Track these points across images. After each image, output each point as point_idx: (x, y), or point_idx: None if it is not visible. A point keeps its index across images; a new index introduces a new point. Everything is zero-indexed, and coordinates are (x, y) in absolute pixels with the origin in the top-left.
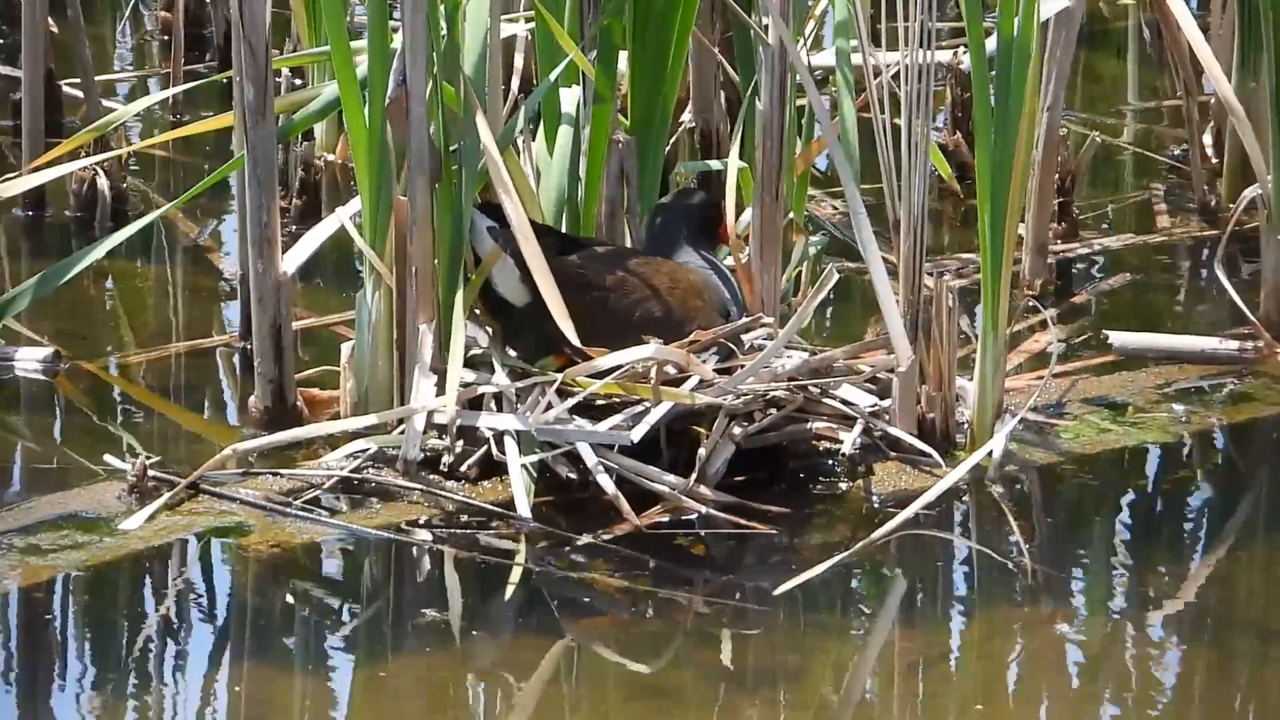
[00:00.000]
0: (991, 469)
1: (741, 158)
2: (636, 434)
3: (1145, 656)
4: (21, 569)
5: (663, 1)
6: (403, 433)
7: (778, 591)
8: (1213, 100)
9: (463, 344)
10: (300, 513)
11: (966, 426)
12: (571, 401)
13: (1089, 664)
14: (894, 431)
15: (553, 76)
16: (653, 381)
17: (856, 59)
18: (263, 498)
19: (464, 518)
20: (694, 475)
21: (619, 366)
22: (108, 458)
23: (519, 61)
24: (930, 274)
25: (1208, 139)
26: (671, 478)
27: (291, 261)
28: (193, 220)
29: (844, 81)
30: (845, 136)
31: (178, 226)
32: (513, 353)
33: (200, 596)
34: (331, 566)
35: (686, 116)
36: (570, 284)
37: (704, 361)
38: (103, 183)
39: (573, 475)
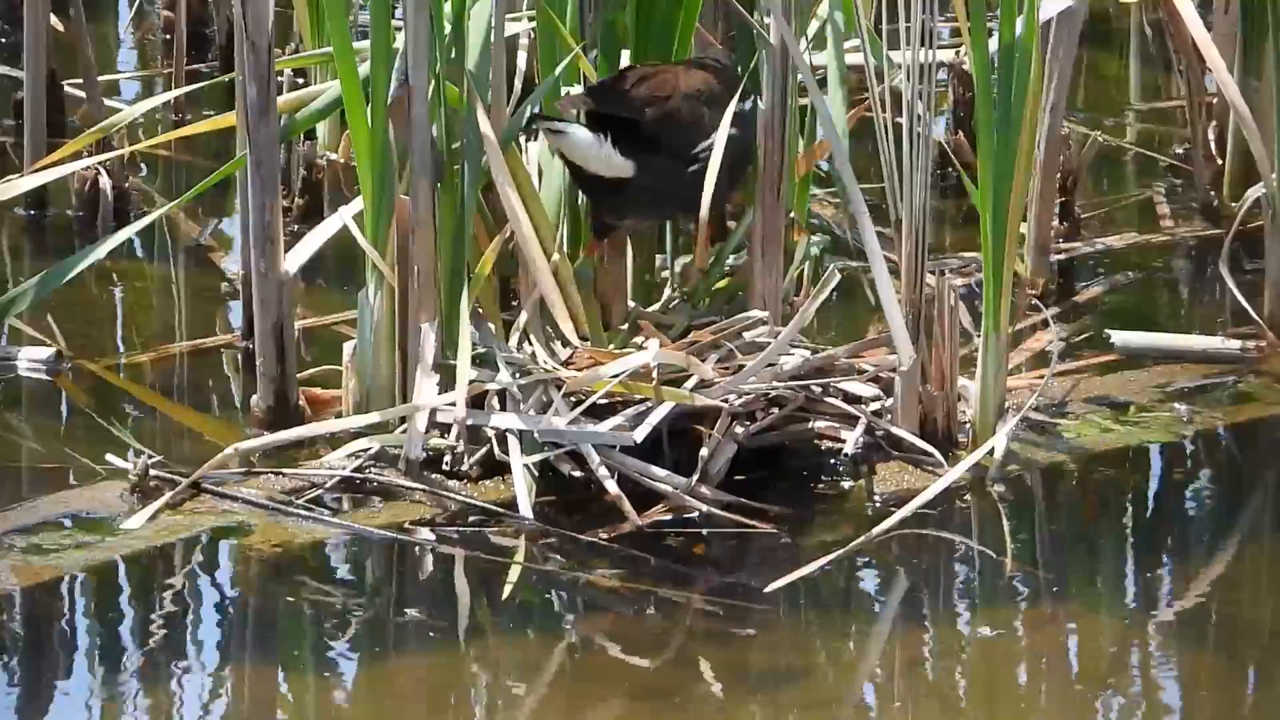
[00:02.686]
0: (993, 468)
1: None
2: (639, 434)
3: (1147, 656)
4: (23, 569)
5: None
6: (405, 431)
7: (769, 589)
8: (1215, 100)
9: (470, 342)
10: (302, 512)
11: (969, 426)
12: (580, 409)
13: (1090, 664)
14: (896, 431)
15: (556, 73)
16: (654, 382)
17: (858, 58)
18: (265, 497)
19: (466, 517)
20: (696, 474)
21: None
22: (110, 457)
23: (521, 61)
24: (932, 273)
25: (1210, 137)
26: (674, 477)
27: (294, 261)
28: (195, 220)
29: (836, 79)
30: (835, 134)
31: (180, 226)
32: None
33: (202, 596)
34: (334, 566)
35: None
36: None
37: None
38: (105, 182)
39: (577, 473)
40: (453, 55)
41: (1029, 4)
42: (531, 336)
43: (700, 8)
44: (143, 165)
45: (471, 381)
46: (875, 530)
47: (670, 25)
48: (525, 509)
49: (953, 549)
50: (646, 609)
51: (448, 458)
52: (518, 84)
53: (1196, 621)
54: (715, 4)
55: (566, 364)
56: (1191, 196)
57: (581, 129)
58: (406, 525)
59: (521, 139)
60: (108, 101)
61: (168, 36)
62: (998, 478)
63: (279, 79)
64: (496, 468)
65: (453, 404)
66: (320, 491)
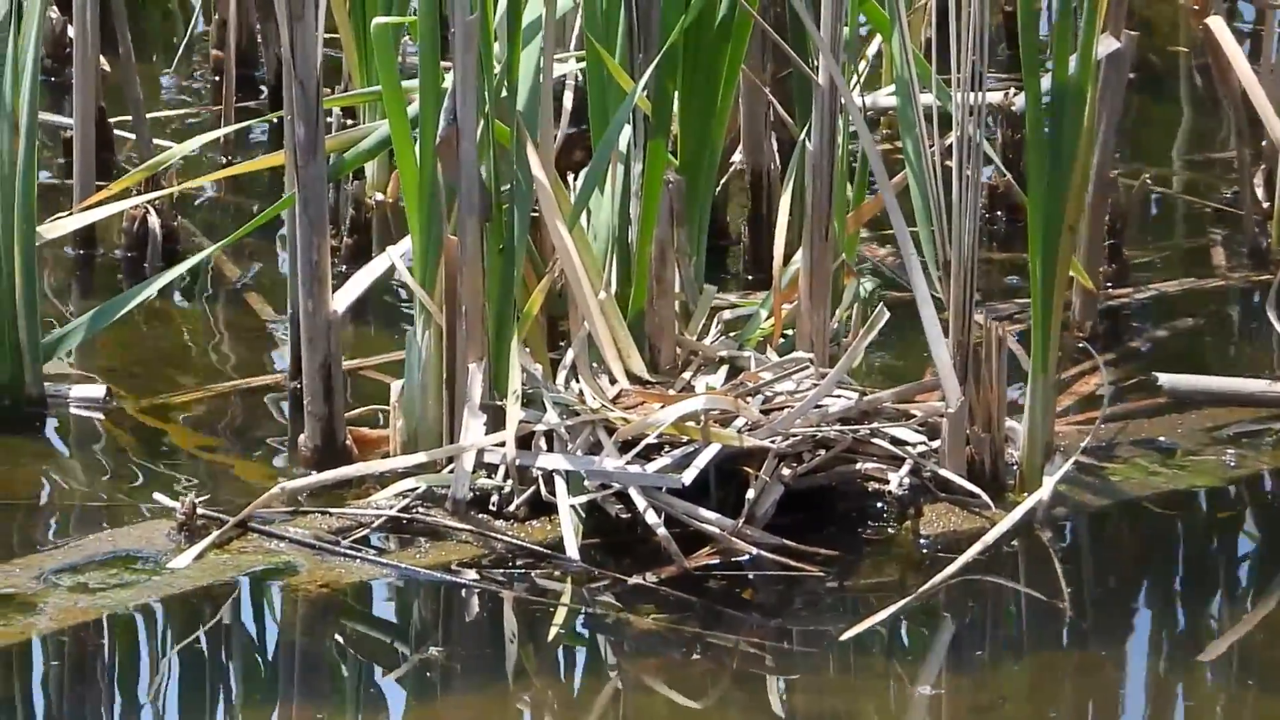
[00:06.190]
0: (1040, 511)
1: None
2: (688, 476)
3: (1198, 703)
4: (70, 608)
5: (712, 39)
6: (452, 471)
7: (845, 637)
8: (1265, 144)
9: (520, 382)
10: (349, 552)
11: (1016, 468)
12: (633, 453)
13: (1141, 711)
14: (943, 472)
15: (618, 115)
16: (703, 423)
17: (924, 99)
18: (312, 536)
19: (513, 558)
20: (743, 517)
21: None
22: (157, 495)
23: (568, 100)
24: (981, 315)
25: (1259, 181)
26: (722, 519)
27: (342, 300)
28: (242, 260)
29: (906, 123)
30: (919, 178)
31: (225, 266)
32: None
33: (248, 636)
34: (380, 606)
35: (736, 158)
36: None
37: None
38: (154, 221)
39: (625, 514)
40: (502, 95)
41: (1083, 43)
42: (580, 375)
43: (746, 47)
44: (190, 205)
45: (520, 422)
46: (939, 576)
47: (716, 65)
48: (572, 550)
49: (1001, 593)
50: (693, 652)
51: (494, 498)
52: (565, 123)
53: (1245, 666)
54: (764, 44)
55: (615, 401)
56: (1240, 240)
57: None
58: (453, 566)
59: (569, 178)
60: (156, 141)
61: (216, 77)
62: (1045, 521)
63: (327, 118)
64: (543, 508)
65: (501, 444)
66: (367, 531)
